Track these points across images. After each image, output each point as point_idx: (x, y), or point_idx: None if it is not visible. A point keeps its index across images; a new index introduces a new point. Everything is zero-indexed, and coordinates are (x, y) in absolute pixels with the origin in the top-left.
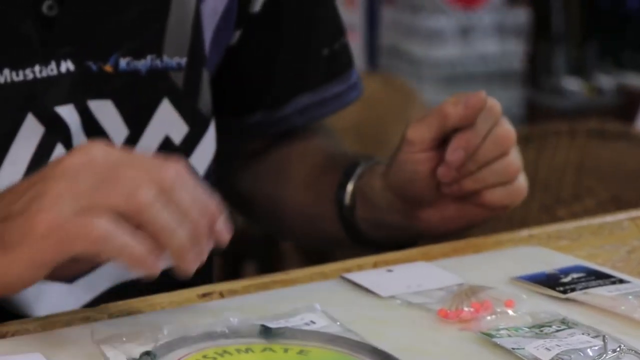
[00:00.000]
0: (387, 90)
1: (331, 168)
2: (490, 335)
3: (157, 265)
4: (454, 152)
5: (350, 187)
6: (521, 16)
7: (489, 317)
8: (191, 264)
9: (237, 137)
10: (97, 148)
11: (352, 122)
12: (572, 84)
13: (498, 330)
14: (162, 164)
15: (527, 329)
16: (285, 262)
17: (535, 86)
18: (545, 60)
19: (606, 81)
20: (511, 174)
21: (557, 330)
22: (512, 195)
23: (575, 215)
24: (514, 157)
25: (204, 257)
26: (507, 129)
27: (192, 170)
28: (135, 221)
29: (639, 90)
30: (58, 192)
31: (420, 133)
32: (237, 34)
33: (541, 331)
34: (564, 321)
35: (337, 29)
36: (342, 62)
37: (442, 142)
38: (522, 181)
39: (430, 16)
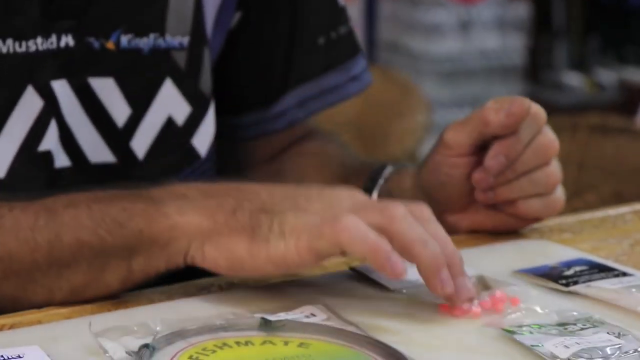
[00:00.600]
0: (385, 84)
1: (353, 176)
2: (511, 332)
3: (401, 266)
4: (494, 159)
5: (376, 191)
6: (521, 10)
7: (492, 314)
8: (445, 284)
9: (238, 138)
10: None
11: (350, 116)
12: (573, 79)
13: (521, 327)
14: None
15: (550, 326)
16: None
17: (536, 81)
18: (546, 55)
19: (607, 76)
20: (550, 186)
21: (582, 329)
22: (548, 208)
23: (576, 211)
24: (555, 168)
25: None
26: (550, 138)
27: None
28: (388, 232)
29: None
30: (321, 211)
31: (459, 137)
32: (237, 17)
33: (565, 329)
34: (589, 319)
35: (335, 17)
36: (340, 52)
37: (480, 147)
38: (559, 193)
39: (430, 10)
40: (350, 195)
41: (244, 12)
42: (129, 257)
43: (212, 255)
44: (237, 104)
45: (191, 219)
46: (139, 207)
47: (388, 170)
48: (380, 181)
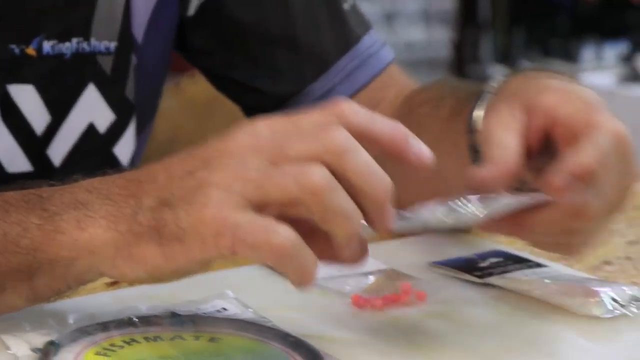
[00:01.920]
0: None
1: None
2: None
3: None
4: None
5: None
6: (447, 3)
7: (402, 307)
8: (356, 256)
9: None
10: (262, 125)
11: None
12: (499, 72)
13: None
14: (330, 123)
15: None
16: None
17: (462, 74)
18: (471, 48)
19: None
20: None
21: None
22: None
23: None
24: None
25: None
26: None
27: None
28: (307, 205)
29: None
30: (225, 182)
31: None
32: (195, 2)
33: None
34: None
35: None
36: (363, 17)
37: None
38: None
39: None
40: (258, 148)
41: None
42: (29, 279)
43: (128, 269)
44: (295, 85)
45: (92, 233)
46: (33, 220)
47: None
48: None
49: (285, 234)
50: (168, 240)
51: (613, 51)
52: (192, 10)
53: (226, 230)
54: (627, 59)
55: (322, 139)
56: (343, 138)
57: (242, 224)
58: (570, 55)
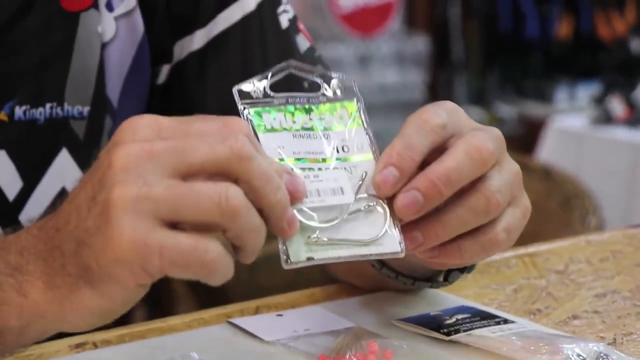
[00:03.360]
0: None
1: None
2: None
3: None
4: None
5: None
6: (420, 45)
7: None
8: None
9: None
10: (144, 125)
11: None
12: (473, 114)
13: None
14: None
15: None
16: (178, 306)
17: None
18: (445, 90)
19: (507, 110)
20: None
21: None
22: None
23: None
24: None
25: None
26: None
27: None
28: (222, 226)
29: (540, 119)
30: (128, 201)
31: None
32: (165, 70)
33: None
34: None
35: (290, 47)
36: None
37: None
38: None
39: (328, 44)
40: (151, 149)
41: (182, 65)
42: None
43: (78, 321)
44: None
45: (35, 297)
46: None
47: None
48: None
49: (213, 248)
50: (99, 281)
51: (586, 92)
52: (162, 78)
53: (151, 255)
54: (599, 101)
55: (225, 144)
56: (245, 144)
57: (167, 244)
58: (544, 96)
